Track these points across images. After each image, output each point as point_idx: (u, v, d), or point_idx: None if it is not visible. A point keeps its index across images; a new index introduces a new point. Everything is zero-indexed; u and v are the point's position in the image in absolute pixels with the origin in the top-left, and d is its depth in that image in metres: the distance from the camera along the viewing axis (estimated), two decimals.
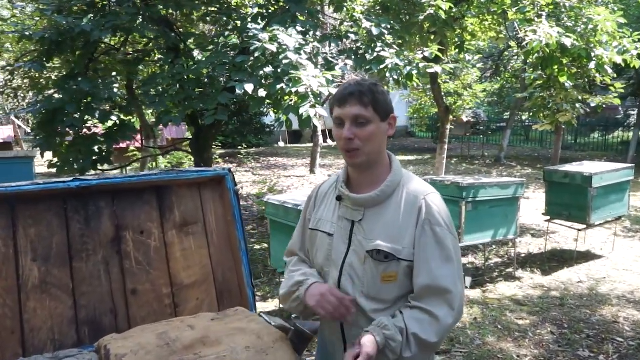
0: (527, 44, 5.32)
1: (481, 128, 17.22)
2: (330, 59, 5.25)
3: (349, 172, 1.69)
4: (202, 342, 1.59)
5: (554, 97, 7.56)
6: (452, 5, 6.17)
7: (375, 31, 5.24)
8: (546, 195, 6.31)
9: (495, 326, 4.31)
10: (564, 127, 10.62)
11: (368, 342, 1.45)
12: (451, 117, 12.05)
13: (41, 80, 8.76)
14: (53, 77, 8.24)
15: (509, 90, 17.65)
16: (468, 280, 5.22)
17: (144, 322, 1.85)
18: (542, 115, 8.00)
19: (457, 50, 7.59)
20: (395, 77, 5.18)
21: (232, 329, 1.70)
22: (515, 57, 13.86)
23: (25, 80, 9.84)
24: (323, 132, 18.28)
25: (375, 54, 5.21)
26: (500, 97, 18.86)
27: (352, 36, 5.48)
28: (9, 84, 10.51)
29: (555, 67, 5.89)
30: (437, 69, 5.21)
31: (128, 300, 1.90)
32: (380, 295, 1.57)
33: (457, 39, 7.23)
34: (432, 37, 7.18)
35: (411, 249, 1.54)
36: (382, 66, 5.13)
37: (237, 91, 4.42)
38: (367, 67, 5.32)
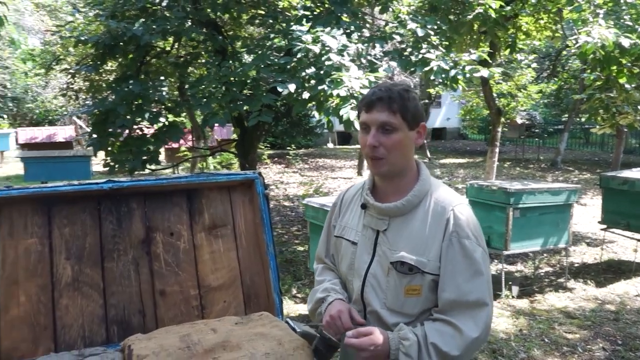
0: (580, 46, 5.07)
1: (537, 130, 16.62)
2: (374, 61, 5.19)
3: (374, 180, 1.64)
4: (222, 346, 1.59)
5: (613, 99, 7.18)
6: (503, 4, 5.97)
7: (420, 32, 5.14)
8: (603, 202, 5.99)
9: (541, 339, 4.12)
10: (626, 130, 10.09)
11: (376, 330, 1.44)
12: (504, 119, 11.70)
13: (100, 83, 9.16)
14: (110, 79, 8.56)
15: (567, 92, 16.94)
16: (515, 289, 5.03)
17: (171, 323, 1.87)
18: (599, 117, 7.61)
19: (508, 51, 7.34)
20: (441, 79, 5.06)
21: (254, 333, 1.69)
22: (574, 57, 13.28)
23: (85, 83, 10.31)
24: None
25: (421, 56, 5.11)
26: (557, 99, 18.14)
27: (397, 37, 5.39)
28: (71, 86, 11.05)
29: (614, 67, 5.59)
30: (483, 72, 5.05)
31: (156, 300, 1.93)
32: (403, 308, 1.52)
33: (509, 39, 6.99)
34: (483, 37, 6.99)
35: (437, 262, 1.48)
36: (426, 68, 5.03)
37: (279, 90, 4.44)
38: (412, 69, 5.23)
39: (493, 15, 5.67)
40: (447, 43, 5.82)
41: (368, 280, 1.56)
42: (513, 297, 4.95)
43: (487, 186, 5.03)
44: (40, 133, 14.34)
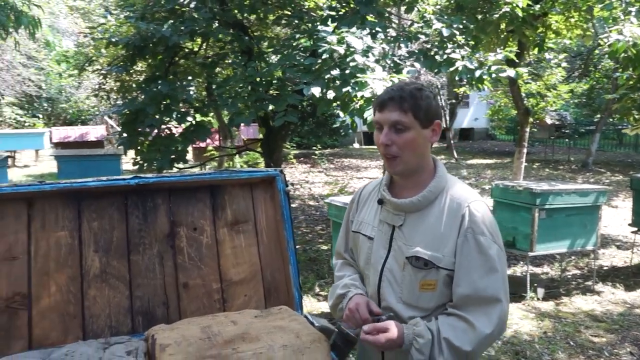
0: (610, 45, 4.97)
1: (567, 131, 16.27)
2: (398, 62, 5.18)
3: (392, 176, 1.67)
4: (242, 337, 1.64)
5: None
6: (531, 3, 5.89)
7: (446, 32, 5.11)
8: (633, 204, 5.86)
9: (567, 342, 4.06)
10: None
11: (392, 324, 1.46)
12: (533, 119, 11.50)
13: (130, 83, 9.38)
14: (139, 80, 8.75)
15: (600, 91, 16.55)
16: (540, 291, 4.96)
17: (193, 315, 1.93)
18: (632, 118, 7.43)
19: (536, 50, 7.22)
20: (466, 80, 5.03)
21: (273, 326, 1.73)
22: (606, 56, 12.97)
23: (116, 83, 10.57)
24: None
25: (446, 56, 5.09)
26: (589, 99, 17.73)
27: (422, 37, 5.38)
28: (102, 86, 11.33)
29: None
30: (510, 72, 5.00)
31: (180, 293, 1.99)
32: (419, 303, 1.54)
33: (537, 38, 6.88)
34: (510, 36, 6.90)
35: (452, 257, 1.49)
36: (452, 68, 5.00)
37: (304, 93, 4.48)
38: (437, 70, 5.21)
39: (520, 14, 5.59)
40: (473, 42, 5.78)
41: (384, 274, 1.58)
42: (538, 299, 4.88)
43: (513, 187, 4.98)
44: (73, 132, 14.74)
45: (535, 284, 4.99)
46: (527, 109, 8.37)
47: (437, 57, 5.21)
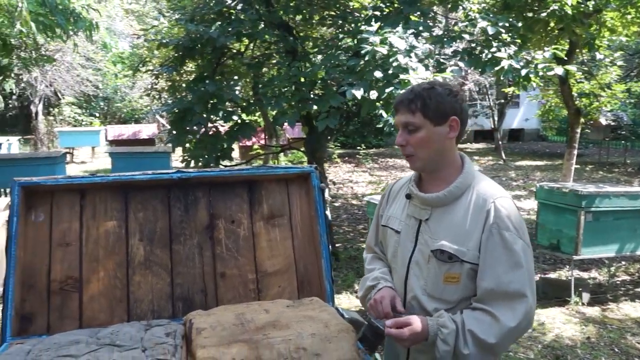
0: None
1: (623, 132, 15.59)
2: (442, 61, 5.16)
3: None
4: (273, 325, 1.72)
5: None
6: (581, 0, 5.72)
7: (491, 30, 5.05)
8: None
9: (611, 348, 3.95)
10: None
11: (414, 318, 1.51)
12: (585, 120, 11.11)
13: (180, 83, 9.70)
14: (189, 80, 9.04)
15: None
16: (586, 296, 4.83)
17: (229, 303, 2.03)
18: None
19: (586, 49, 7.00)
20: (511, 78, 4.96)
21: (303, 316, 1.81)
22: None
23: (167, 83, 10.94)
24: None
25: (490, 55, 5.02)
26: None
27: (467, 36, 5.32)
28: (154, 86, 11.75)
29: None
30: (558, 70, 4.89)
31: (217, 282, 2.10)
32: (443, 295, 1.58)
33: (588, 37, 6.67)
34: (561, 35, 6.72)
35: (476, 252, 1.52)
36: (497, 67, 4.94)
37: (347, 96, 4.54)
38: (481, 69, 5.15)
39: (569, 12, 5.45)
40: (519, 41, 5.67)
41: (411, 267, 1.63)
42: (583, 304, 4.75)
43: (558, 188, 4.86)
44: (126, 130, 15.36)
45: (581, 289, 4.86)
46: (578, 109, 8.11)
47: (481, 56, 5.16)
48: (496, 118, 16.29)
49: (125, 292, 2.00)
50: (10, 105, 16.41)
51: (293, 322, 1.74)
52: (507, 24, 5.26)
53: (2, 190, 8.29)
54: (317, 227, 2.18)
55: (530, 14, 6.32)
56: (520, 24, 5.72)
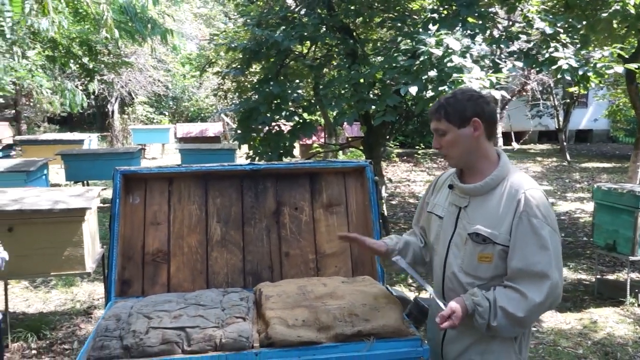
0: None
1: None
2: (497, 61, 5.26)
3: None
4: (329, 295, 2.00)
5: None
6: None
7: (549, 30, 5.10)
8: None
9: None
10: None
11: (456, 302, 1.73)
12: None
13: (245, 84, 10.21)
14: (254, 81, 9.50)
15: None
16: None
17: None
18: None
19: None
20: (569, 78, 5.00)
21: (355, 290, 2.07)
22: None
23: (233, 84, 11.51)
24: (506, 134, 17.53)
25: (548, 54, 5.08)
26: None
27: (523, 37, 5.39)
28: (221, 87, 12.36)
29: None
30: (618, 69, 4.88)
31: (282, 260, 2.40)
32: (477, 272, 1.80)
33: None
34: (626, 34, 6.61)
35: (507, 235, 1.74)
36: (554, 67, 4.99)
37: (401, 93, 4.75)
38: (538, 68, 5.21)
39: (632, 11, 5.39)
40: (580, 41, 5.66)
41: (450, 248, 1.87)
42: (638, 305, 4.73)
43: (615, 189, 4.85)
44: (194, 128, 16.15)
45: (637, 290, 4.83)
46: None
47: (539, 56, 5.22)
48: (561, 118, 15.85)
49: (205, 266, 2.34)
50: (90, 105, 17.65)
51: (347, 294, 2.02)
52: (566, 25, 5.29)
53: (84, 181, 9.07)
54: (371, 215, 2.45)
55: (591, 14, 6.26)
56: (582, 24, 5.70)
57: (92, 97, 15.91)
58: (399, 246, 2.01)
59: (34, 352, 3.90)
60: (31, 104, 15.78)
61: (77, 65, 8.47)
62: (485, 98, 1.86)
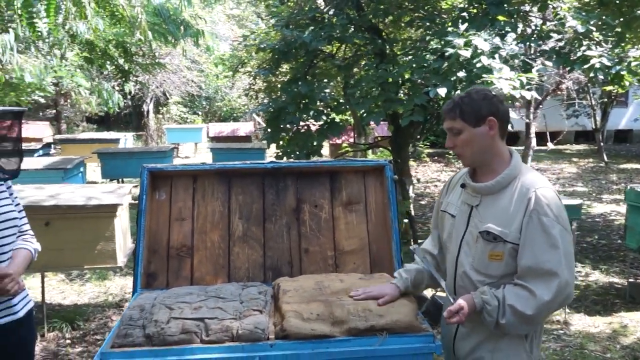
0: None
1: None
2: (527, 61, 5.18)
3: None
4: (345, 291, 2.05)
5: None
6: None
7: (581, 28, 5.00)
8: None
9: None
10: None
11: (465, 299, 1.75)
12: None
13: (275, 84, 10.32)
14: (283, 81, 9.60)
15: None
16: None
17: None
18: None
19: None
20: (602, 76, 4.89)
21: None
22: None
23: (263, 84, 11.64)
24: (540, 134, 17.15)
25: (580, 53, 4.98)
26: None
27: (555, 35, 5.30)
28: (252, 87, 12.52)
29: None
30: None
31: (301, 256, 2.46)
32: (487, 270, 1.81)
33: None
34: None
35: (517, 234, 1.74)
36: (586, 66, 4.89)
37: (430, 95, 4.74)
38: (570, 67, 5.12)
39: None
40: (614, 39, 5.53)
41: (462, 246, 1.88)
42: None
43: (632, 188, 4.73)
44: (226, 128, 16.41)
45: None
46: None
47: (571, 54, 5.12)
48: (598, 118, 15.43)
49: (227, 260, 2.42)
50: (126, 105, 18.15)
51: None
52: (599, 22, 5.17)
53: (119, 179, 9.35)
54: (389, 213, 2.48)
55: (627, 12, 6.10)
56: (616, 22, 5.57)
57: (129, 97, 16.34)
58: (409, 282, 2.02)
59: (68, 341, 4.07)
60: (69, 104, 16.33)
61: (113, 67, 8.73)
62: (500, 97, 1.87)
